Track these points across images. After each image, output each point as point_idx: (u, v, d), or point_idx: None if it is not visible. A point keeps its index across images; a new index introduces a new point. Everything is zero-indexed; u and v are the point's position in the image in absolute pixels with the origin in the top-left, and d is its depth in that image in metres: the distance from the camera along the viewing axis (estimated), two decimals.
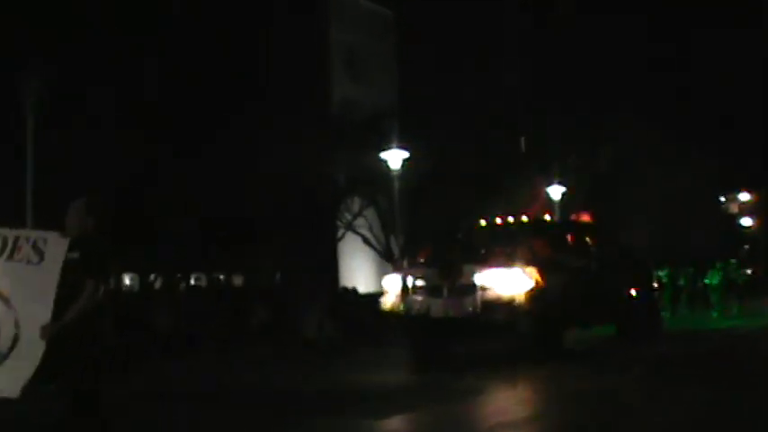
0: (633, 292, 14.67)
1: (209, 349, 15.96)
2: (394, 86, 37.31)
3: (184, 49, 25.39)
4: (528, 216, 14.87)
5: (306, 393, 10.37)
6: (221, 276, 31.36)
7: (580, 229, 15.26)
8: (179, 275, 27.51)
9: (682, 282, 26.66)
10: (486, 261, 12.38)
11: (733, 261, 28.77)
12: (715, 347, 15.10)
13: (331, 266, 32.71)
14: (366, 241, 30.40)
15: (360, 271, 34.02)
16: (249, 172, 25.59)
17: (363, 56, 37.77)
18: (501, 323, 11.68)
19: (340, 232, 31.05)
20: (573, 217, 16.46)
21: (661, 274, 26.18)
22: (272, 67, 29.46)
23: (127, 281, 28.89)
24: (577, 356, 12.88)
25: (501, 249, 12.86)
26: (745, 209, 68.04)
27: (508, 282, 11.73)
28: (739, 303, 26.59)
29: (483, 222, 14.64)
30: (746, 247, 59.57)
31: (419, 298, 12.42)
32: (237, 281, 31.67)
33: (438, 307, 12.05)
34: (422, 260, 14.18)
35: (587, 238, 14.48)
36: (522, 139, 21.25)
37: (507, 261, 12.12)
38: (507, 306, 11.57)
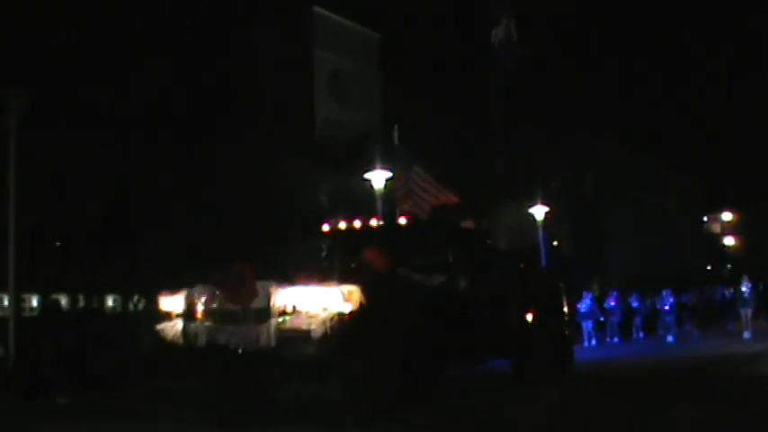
0: (529, 317, 11.87)
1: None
2: (379, 108, 37.47)
3: (165, 63, 25.38)
4: (377, 220, 12.32)
5: None
6: None
7: (450, 237, 11.55)
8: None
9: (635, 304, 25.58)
10: (290, 277, 9.38)
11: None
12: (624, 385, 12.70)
13: None
14: None
15: None
16: (231, 191, 25.57)
17: (348, 77, 37.89)
18: (304, 361, 8.66)
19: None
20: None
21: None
22: (254, 85, 29.47)
23: (110, 302, 28.68)
24: (423, 412, 9.15)
25: (322, 262, 10.44)
26: (728, 228, 68.57)
27: (313, 304, 8.78)
28: (698, 328, 26.17)
29: (326, 227, 11.90)
30: (729, 266, 60.00)
31: (206, 324, 9.50)
32: None
33: (225, 337, 9.17)
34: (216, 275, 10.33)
35: (460, 250, 11.01)
36: (396, 126, 20.23)
37: (319, 276, 9.27)
38: (310, 338, 8.57)
